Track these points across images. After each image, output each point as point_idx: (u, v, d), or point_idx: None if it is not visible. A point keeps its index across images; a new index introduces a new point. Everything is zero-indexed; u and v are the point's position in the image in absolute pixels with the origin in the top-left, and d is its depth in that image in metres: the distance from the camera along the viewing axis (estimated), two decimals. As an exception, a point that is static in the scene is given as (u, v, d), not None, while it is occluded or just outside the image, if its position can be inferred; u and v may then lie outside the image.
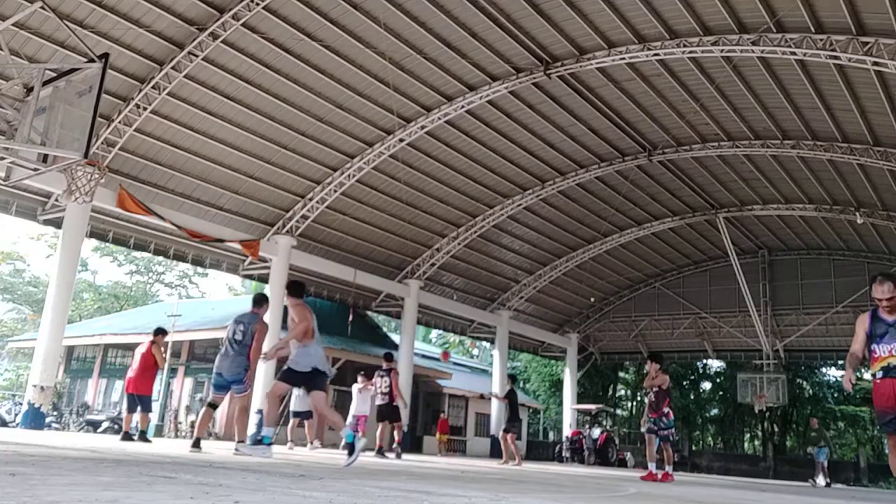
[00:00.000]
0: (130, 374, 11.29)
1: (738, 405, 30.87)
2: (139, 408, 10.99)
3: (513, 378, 16.81)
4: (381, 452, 12.83)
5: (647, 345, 31.89)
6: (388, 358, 14.15)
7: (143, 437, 10.87)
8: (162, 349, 11.49)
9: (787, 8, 13.60)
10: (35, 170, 8.70)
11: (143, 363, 11.17)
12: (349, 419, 16.43)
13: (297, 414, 15.07)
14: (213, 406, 8.46)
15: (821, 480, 19.11)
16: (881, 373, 4.94)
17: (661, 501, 5.21)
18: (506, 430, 15.60)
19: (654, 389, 10.96)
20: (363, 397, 15.99)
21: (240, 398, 8.17)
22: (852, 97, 16.13)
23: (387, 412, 13.10)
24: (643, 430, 11.63)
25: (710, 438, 41.13)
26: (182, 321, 21.56)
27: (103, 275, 46.13)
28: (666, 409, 10.85)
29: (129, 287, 44.29)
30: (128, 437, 10.77)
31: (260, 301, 8.54)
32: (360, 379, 16.46)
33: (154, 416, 21.19)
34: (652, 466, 10.80)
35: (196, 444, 8.01)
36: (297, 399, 15.08)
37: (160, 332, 11.69)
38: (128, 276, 44.62)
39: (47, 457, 4.92)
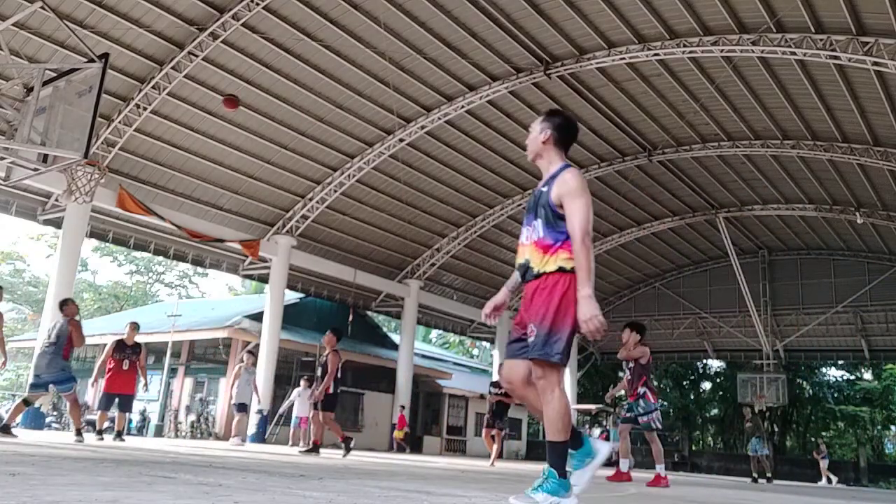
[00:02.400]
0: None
1: (738, 405, 30.86)
2: (114, 407, 10.88)
3: None
4: (316, 449, 10.94)
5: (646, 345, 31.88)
6: (337, 337, 11.60)
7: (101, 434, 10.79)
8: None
9: (787, 8, 13.61)
10: (35, 170, 8.71)
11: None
12: (293, 420, 16.36)
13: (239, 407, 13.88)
14: (27, 403, 9.20)
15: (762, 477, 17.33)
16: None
17: (661, 501, 5.21)
18: (500, 428, 12.96)
19: (630, 365, 8.87)
20: (303, 399, 15.85)
21: (67, 395, 8.97)
22: (852, 97, 16.14)
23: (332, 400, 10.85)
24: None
25: (710, 438, 41.12)
26: (182, 321, 21.55)
27: (103, 275, 46.20)
28: (642, 390, 8.65)
29: (129, 287, 44.27)
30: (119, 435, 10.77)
31: (62, 305, 9.16)
32: (303, 382, 16.40)
33: (154, 416, 21.25)
34: (623, 464, 8.69)
35: (5, 430, 8.61)
36: (238, 391, 13.80)
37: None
38: (128, 276, 44.62)
39: (47, 457, 4.92)
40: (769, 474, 17.81)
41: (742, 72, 16.29)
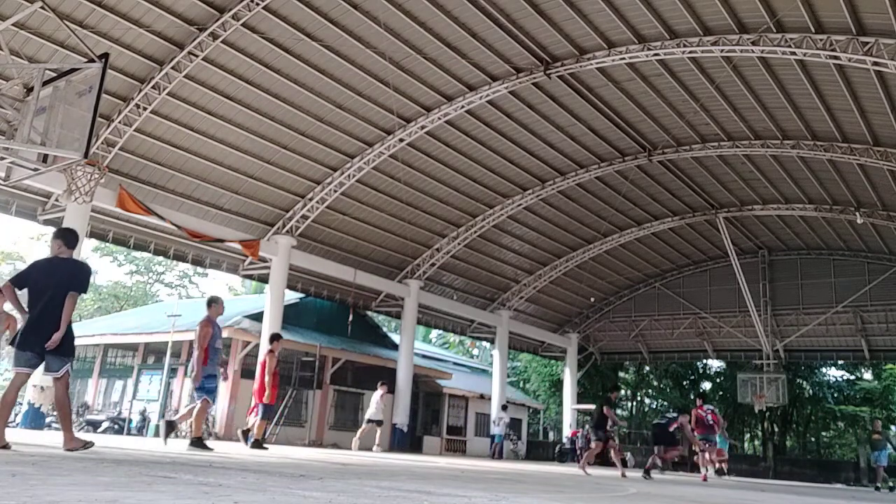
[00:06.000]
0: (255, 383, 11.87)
1: (738, 405, 30.87)
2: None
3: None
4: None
5: (647, 345, 31.93)
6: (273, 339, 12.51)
7: (257, 444, 11.03)
8: (275, 354, 11.65)
9: (787, 8, 13.60)
10: (35, 170, 8.70)
11: (260, 372, 11.62)
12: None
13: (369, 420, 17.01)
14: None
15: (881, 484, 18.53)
16: None
17: (661, 501, 5.21)
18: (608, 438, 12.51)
19: None
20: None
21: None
22: (852, 97, 16.13)
23: None
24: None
25: (710, 438, 41.10)
26: (182, 321, 21.51)
27: (103, 275, 46.06)
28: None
29: (129, 287, 44.24)
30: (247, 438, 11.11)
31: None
32: None
33: (154, 416, 21.22)
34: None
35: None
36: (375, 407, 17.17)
37: (273, 338, 11.98)
38: (128, 276, 44.59)
39: (47, 457, 4.92)
40: (892, 483, 19.09)
41: (742, 72, 16.28)
